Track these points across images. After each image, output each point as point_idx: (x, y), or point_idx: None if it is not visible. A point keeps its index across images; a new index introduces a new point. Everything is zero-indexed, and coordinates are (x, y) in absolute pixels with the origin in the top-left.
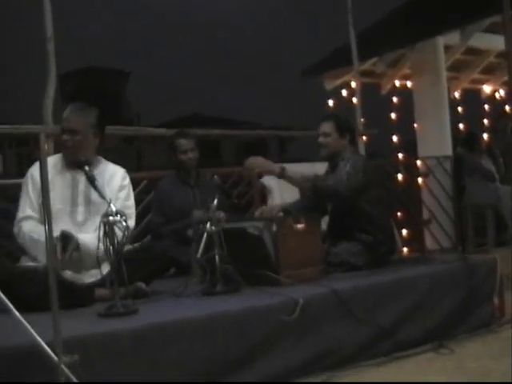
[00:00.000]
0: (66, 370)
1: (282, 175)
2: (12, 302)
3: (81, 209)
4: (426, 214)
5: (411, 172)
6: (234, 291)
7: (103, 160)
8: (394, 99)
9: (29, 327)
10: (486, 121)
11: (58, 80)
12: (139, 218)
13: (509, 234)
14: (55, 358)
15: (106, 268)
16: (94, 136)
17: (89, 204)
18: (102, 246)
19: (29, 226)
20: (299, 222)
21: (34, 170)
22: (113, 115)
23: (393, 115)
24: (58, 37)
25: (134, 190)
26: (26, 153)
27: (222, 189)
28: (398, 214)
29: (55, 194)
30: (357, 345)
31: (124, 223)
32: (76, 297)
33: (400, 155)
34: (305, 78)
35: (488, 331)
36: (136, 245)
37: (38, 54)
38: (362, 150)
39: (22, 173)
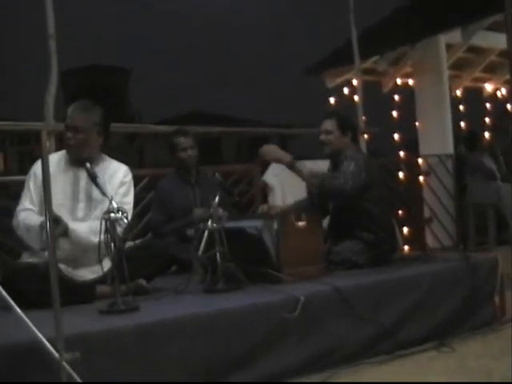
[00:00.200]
0: (68, 367)
1: (291, 165)
2: (13, 299)
3: (81, 205)
4: (427, 213)
5: (412, 170)
6: (236, 289)
7: (107, 158)
8: (396, 97)
9: (30, 324)
10: (487, 119)
11: (59, 77)
12: (140, 215)
13: (510, 232)
14: (56, 354)
15: (107, 265)
16: (98, 135)
17: (90, 200)
18: (96, 239)
19: (24, 215)
20: (301, 220)
21: (37, 168)
22: (114, 112)
23: (394, 113)
24: (60, 34)
25: (135, 186)
26: (27, 151)
27: (223, 186)
28: (399, 212)
29: (57, 190)
30: (358, 343)
31: (125, 220)
32: (77, 294)
33: (401, 153)
34: (307, 76)
35: (489, 330)
36: (137, 242)
37: (40, 51)
38: (363, 148)
39: (23, 170)
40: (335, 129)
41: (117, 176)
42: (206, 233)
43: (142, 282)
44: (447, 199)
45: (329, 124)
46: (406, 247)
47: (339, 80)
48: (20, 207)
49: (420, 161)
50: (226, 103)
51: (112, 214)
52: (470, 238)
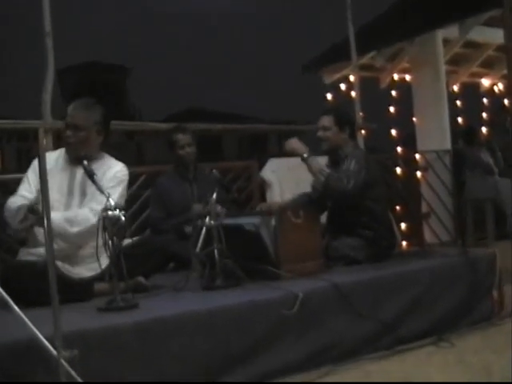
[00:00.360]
0: (66, 365)
1: (304, 159)
2: (11, 297)
3: (76, 200)
4: (425, 208)
5: (410, 166)
6: (234, 286)
7: (106, 156)
8: (393, 93)
9: (28, 322)
10: (484, 114)
11: (58, 75)
12: (138, 212)
13: (508, 227)
14: (55, 352)
15: (105, 262)
16: (98, 133)
17: (84, 195)
18: (73, 229)
19: (13, 199)
20: (299, 216)
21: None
22: (114, 110)
23: (392, 109)
24: (60, 32)
25: (133, 184)
26: (25, 148)
27: (221, 183)
28: (397, 208)
29: (53, 185)
30: (357, 339)
31: (123, 218)
32: (75, 291)
33: (399, 149)
34: (304, 73)
35: (488, 325)
36: (135, 239)
37: (38, 49)
38: (361, 144)
39: (21, 168)
40: (333, 125)
41: (111, 171)
42: (204, 229)
43: (141, 279)
44: (445, 195)
45: (326, 120)
46: (404, 243)
47: (336, 76)
48: (16, 194)
49: (418, 156)
50: (227, 101)
51: (109, 212)
52: (468, 233)
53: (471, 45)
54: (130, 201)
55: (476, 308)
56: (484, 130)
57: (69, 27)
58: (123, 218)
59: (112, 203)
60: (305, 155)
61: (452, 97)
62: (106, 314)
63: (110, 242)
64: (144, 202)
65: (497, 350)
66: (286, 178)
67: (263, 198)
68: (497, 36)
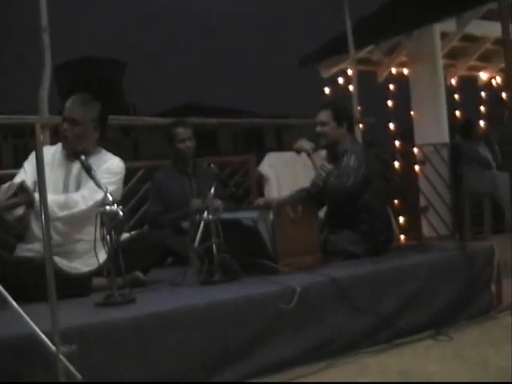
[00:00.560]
0: (64, 360)
1: (310, 155)
2: (9, 293)
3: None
4: (422, 202)
5: (408, 160)
6: (232, 280)
7: (103, 151)
8: (391, 87)
9: (26, 317)
10: (482, 108)
11: (53, 70)
12: (136, 208)
13: (506, 221)
14: (53, 348)
15: (102, 257)
16: (95, 129)
17: (79, 189)
18: (61, 213)
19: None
20: (297, 211)
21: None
22: (109, 105)
23: (389, 103)
24: (59, 30)
25: (130, 178)
26: (21, 144)
27: (218, 178)
28: (395, 201)
29: (49, 182)
30: (356, 333)
31: (121, 213)
32: (73, 287)
33: (397, 143)
34: (301, 67)
35: (486, 318)
36: (133, 233)
37: (35, 44)
38: (358, 138)
39: (17, 164)
40: (330, 120)
41: (107, 164)
42: (202, 224)
43: (139, 274)
44: (443, 188)
45: (324, 115)
46: (403, 237)
47: (334, 70)
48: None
49: (415, 150)
50: (224, 97)
51: (107, 207)
52: (465, 227)
53: (469, 38)
54: (128, 196)
55: (474, 302)
56: (482, 123)
57: (68, 26)
58: (121, 213)
59: (110, 198)
60: (310, 151)
61: (450, 90)
62: (104, 309)
63: (107, 236)
64: (142, 196)
65: (495, 343)
66: (284, 172)
67: (261, 193)
68: (494, 29)
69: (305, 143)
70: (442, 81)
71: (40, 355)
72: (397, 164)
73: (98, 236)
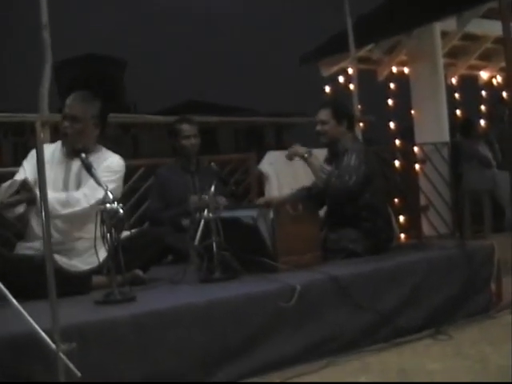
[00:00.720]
0: (64, 358)
1: (306, 159)
2: (9, 291)
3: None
4: (423, 201)
5: (408, 158)
6: (232, 278)
7: (103, 149)
8: (391, 86)
9: (26, 315)
10: (482, 107)
11: (54, 67)
12: (136, 206)
13: (506, 220)
14: (53, 345)
15: (102, 255)
16: (95, 127)
17: (79, 187)
18: (63, 211)
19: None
20: (297, 210)
21: (34, 152)
22: (109, 102)
23: (390, 102)
24: (59, 29)
25: (130, 176)
26: (21, 142)
27: (219, 176)
28: (396, 200)
29: (48, 180)
30: (356, 331)
31: (122, 211)
32: (73, 284)
33: (397, 142)
34: (302, 65)
35: (486, 317)
36: (133, 231)
37: (35, 43)
38: (359, 136)
39: (17, 162)
40: (330, 118)
41: (106, 162)
42: (202, 222)
43: (139, 272)
44: (443, 187)
45: (324, 114)
46: (403, 235)
47: (334, 69)
48: None
49: (416, 149)
50: (225, 95)
51: (108, 205)
52: (466, 226)
53: (469, 37)
54: (128, 194)
55: (474, 300)
56: (482, 122)
57: (68, 26)
58: (121, 211)
59: (110, 196)
60: (305, 155)
61: (450, 89)
62: (104, 307)
63: (108, 235)
64: (142, 194)
65: (494, 342)
66: (284, 170)
67: (261, 191)
68: (495, 28)
69: (299, 148)
70: (442, 80)
71: (40, 353)
72: (397, 163)
73: (99, 234)
